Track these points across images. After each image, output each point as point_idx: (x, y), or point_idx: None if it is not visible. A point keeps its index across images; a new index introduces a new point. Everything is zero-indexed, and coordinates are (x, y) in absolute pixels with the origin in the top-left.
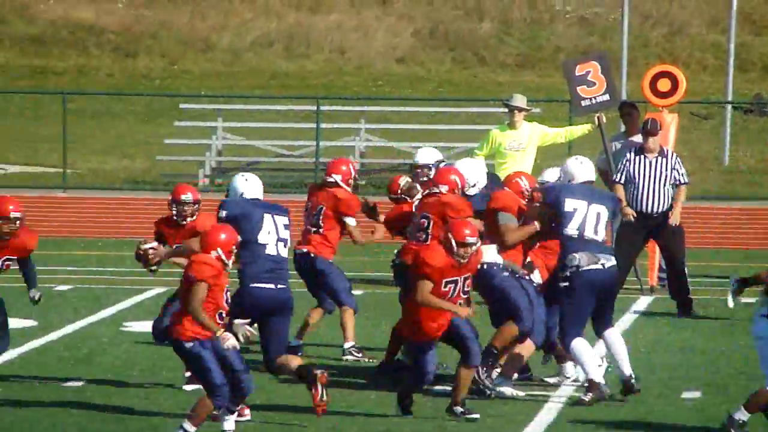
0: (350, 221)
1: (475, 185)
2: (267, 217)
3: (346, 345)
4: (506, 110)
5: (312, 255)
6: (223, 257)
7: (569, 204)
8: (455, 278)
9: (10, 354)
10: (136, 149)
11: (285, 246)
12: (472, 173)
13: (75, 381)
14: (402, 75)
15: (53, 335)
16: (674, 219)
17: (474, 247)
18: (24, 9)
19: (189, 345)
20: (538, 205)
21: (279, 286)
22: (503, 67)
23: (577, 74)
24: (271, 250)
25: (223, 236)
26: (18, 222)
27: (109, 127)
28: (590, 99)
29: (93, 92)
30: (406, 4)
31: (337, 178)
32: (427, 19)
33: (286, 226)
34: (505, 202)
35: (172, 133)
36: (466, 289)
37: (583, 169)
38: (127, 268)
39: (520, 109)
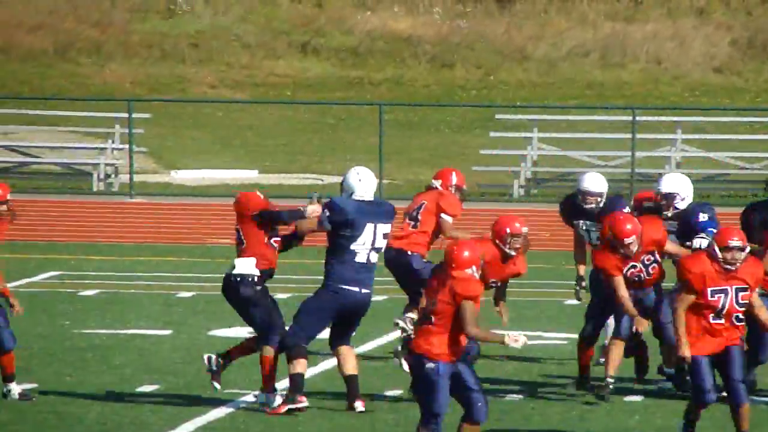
0: (446, 218)
1: (684, 199)
2: (369, 227)
3: None
4: None
5: (408, 253)
6: (476, 274)
7: None
8: (723, 287)
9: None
10: (451, 160)
11: (377, 253)
12: (684, 188)
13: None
14: (719, 85)
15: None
16: None
17: (742, 253)
18: (341, 21)
19: (430, 366)
20: None
21: (363, 290)
22: None
23: None
24: (361, 258)
25: (471, 253)
26: (522, 239)
27: (424, 138)
28: None
29: (409, 103)
30: (724, 14)
31: (437, 183)
32: (745, 28)
33: (385, 236)
34: None
35: (487, 144)
36: (741, 301)
37: None
38: None
39: None
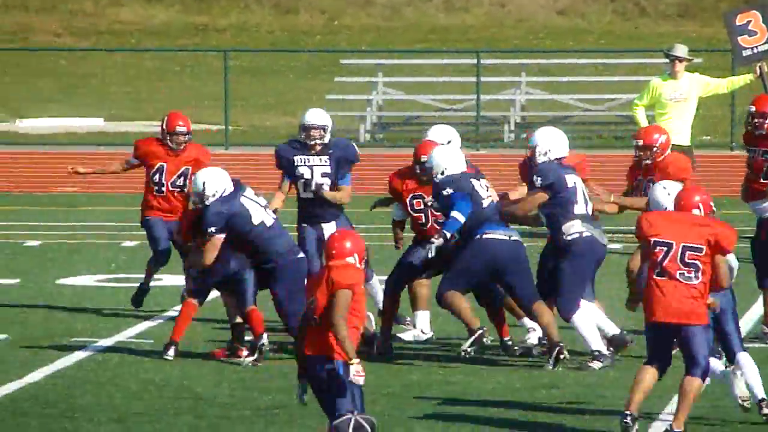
0: None
1: (546, 153)
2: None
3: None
4: (667, 61)
5: None
6: (359, 265)
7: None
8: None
9: None
10: (297, 105)
11: None
12: (545, 141)
13: None
14: (563, 27)
15: None
16: None
17: None
18: None
19: (329, 366)
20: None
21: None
22: (664, 18)
23: (737, 24)
24: None
25: (353, 243)
26: None
27: (270, 84)
28: (751, 48)
29: (254, 49)
30: None
31: None
32: None
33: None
34: None
35: (332, 89)
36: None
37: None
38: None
39: (681, 59)
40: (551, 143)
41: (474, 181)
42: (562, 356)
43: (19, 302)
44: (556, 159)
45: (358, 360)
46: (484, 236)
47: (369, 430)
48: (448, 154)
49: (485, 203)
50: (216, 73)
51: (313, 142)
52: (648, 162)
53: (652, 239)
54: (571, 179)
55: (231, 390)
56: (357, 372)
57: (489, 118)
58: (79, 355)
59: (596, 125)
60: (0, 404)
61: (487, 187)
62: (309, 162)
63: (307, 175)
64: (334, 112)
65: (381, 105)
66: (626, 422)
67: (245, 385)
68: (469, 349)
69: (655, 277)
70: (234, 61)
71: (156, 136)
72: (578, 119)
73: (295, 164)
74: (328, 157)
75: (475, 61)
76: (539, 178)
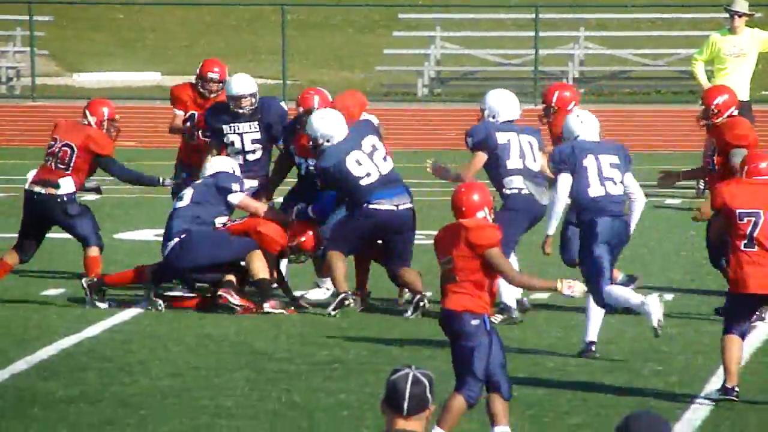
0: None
1: (494, 116)
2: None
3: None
4: (727, 15)
5: None
6: (489, 217)
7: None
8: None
9: None
10: (354, 60)
11: None
12: (495, 104)
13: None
14: None
15: None
16: None
17: None
18: None
19: (475, 322)
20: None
21: None
22: None
23: None
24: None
25: (481, 196)
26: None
27: (328, 38)
28: None
29: (312, 3)
30: None
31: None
32: None
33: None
34: None
35: (390, 43)
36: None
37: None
38: None
39: (741, 14)
40: (500, 106)
41: (352, 155)
42: (422, 303)
43: (77, 257)
44: (506, 121)
45: (557, 281)
46: (370, 206)
47: (427, 384)
48: (327, 121)
49: (364, 181)
50: (273, 27)
51: (243, 111)
52: (707, 122)
53: (738, 210)
54: (504, 136)
55: (289, 345)
56: (569, 286)
57: (547, 73)
58: (136, 309)
59: (655, 80)
60: (57, 358)
61: (374, 148)
62: (239, 129)
63: (237, 144)
64: (392, 67)
65: (439, 59)
66: (735, 397)
67: (303, 339)
68: (333, 312)
69: (744, 249)
70: (291, 15)
71: (191, 82)
72: (637, 74)
73: (224, 132)
74: (257, 122)
75: (533, 15)
76: (470, 139)
